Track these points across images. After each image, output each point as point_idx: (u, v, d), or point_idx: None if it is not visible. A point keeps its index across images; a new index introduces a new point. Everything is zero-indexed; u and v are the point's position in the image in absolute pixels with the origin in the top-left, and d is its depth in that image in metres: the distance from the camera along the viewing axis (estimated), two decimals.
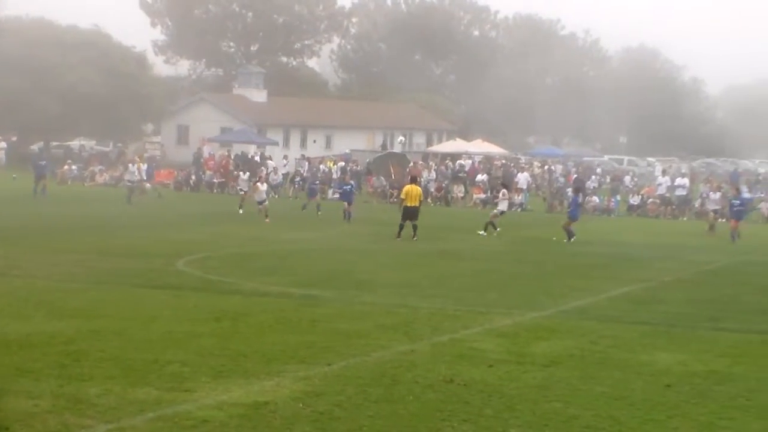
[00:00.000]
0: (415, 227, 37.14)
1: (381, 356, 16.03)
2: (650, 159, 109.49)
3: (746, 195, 60.26)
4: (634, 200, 61.85)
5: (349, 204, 45.67)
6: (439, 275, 27.47)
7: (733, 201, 44.98)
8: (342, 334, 17.81)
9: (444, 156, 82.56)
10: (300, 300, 21.78)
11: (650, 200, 61.33)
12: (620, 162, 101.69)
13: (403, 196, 38.58)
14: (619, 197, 63.96)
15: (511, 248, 36.04)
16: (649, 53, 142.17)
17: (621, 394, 14.07)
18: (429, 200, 63.08)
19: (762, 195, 65.70)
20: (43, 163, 55.14)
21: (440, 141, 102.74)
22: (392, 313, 20.31)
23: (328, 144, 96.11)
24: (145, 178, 55.31)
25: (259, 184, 45.18)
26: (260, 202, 43.72)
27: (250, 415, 12.50)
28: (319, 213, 46.82)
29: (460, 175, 69.94)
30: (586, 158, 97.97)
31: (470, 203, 62.69)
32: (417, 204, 37.90)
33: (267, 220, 42.13)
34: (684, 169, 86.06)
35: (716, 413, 13.24)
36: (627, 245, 38.70)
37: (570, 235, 38.67)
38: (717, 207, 47.73)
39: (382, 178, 66.12)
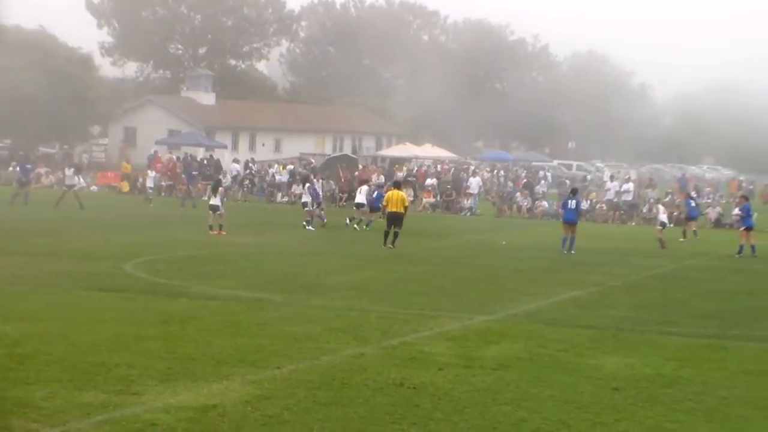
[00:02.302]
0: (396, 234, 36.26)
1: (331, 360, 15.98)
2: (599, 164, 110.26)
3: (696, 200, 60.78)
4: (583, 205, 62.17)
5: (372, 210, 45.20)
6: (390, 279, 27.43)
7: (689, 201, 48.70)
8: (291, 337, 17.74)
9: (393, 160, 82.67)
10: (249, 303, 21.68)
11: (599, 205, 61.73)
12: (569, 167, 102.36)
13: (384, 202, 38.14)
14: None
15: (461, 252, 36.10)
16: (597, 59, 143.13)
17: (569, 397, 14.11)
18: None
19: (709, 200, 66.36)
20: (29, 166, 54.88)
21: (389, 145, 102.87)
22: (342, 316, 20.27)
23: (278, 147, 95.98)
24: (84, 183, 55.05)
25: (221, 188, 42.06)
26: (214, 209, 40.08)
27: (198, 418, 12.40)
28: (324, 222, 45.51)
29: (409, 179, 70.01)
30: (535, 163, 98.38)
31: (420, 207, 62.75)
32: (400, 210, 36.72)
33: (222, 232, 38.75)
34: (632, 174, 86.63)
35: (663, 416, 13.30)
36: (575, 250, 38.82)
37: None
38: (665, 221, 48.10)
39: (332, 181, 66.02)
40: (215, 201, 39.56)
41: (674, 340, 19.13)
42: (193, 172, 63.27)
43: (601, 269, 31.96)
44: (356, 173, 68.04)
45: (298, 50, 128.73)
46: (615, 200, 61.78)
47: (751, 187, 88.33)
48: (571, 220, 38.03)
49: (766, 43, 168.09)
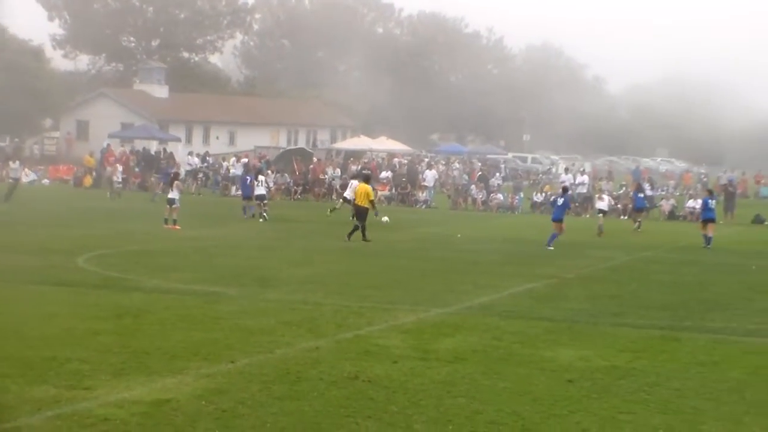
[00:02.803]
0: (356, 228, 36.31)
1: (285, 353, 15.91)
2: (553, 157, 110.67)
3: (649, 192, 61.32)
4: (538, 198, 62.44)
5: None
6: (344, 272, 27.40)
7: (636, 192, 49.89)
8: (246, 331, 17.66)
9: (348, 153, 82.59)
10: (203, 297, 21.56)
11: (553, 197, 61.88)
12: (524, 160, 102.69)
13: (354, 195, 38.17)
14: (522, 195, 64.51)
15: (416, 245, 36.09)
16: (552, 52, 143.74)
17: (524, 389, 14.12)
18: (333, 197, 63.10)
19: (663, 193, 66.81)
20: None
21: (344, 138, 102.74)
22: (296, 309, 20.20)
23: (232, 140, 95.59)
24: (34, 176, 54.71)
25: (177, 182, 41.84)
26: (170, 203, 40.00)
27: (151, 413, 12.30)
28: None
29: (364, 172, 69.91)
30: (490, 156, 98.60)
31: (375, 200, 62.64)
32: (363, 203, 36.69)
33: (177, 226, 38.61)
34: (586, 167, 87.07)
35: (617, 407, 13.34)
36: (530, 242, 38.98)
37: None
38: (605, 208, 48.59)
39: (286, 174, 65.87)
40: (172, 194, 39.56)
41: (628, 331, 19.20)
42: (170, 170, 63.01)
43: (556, 261, 32.04)
44: (311, 166, 67.93)
45: (252, 43, 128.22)
46: (569, 192, 61.95)
47: (704, 179, 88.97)
48: (556, 218, 37.95)
49: (717, 36, 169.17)
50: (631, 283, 27.21)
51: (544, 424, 12.47)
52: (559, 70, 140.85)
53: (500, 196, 62.85)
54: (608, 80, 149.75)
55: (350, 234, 36.07)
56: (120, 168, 60.31)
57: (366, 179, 39.43)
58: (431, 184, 64.51)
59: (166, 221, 38.72)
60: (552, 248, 35.97)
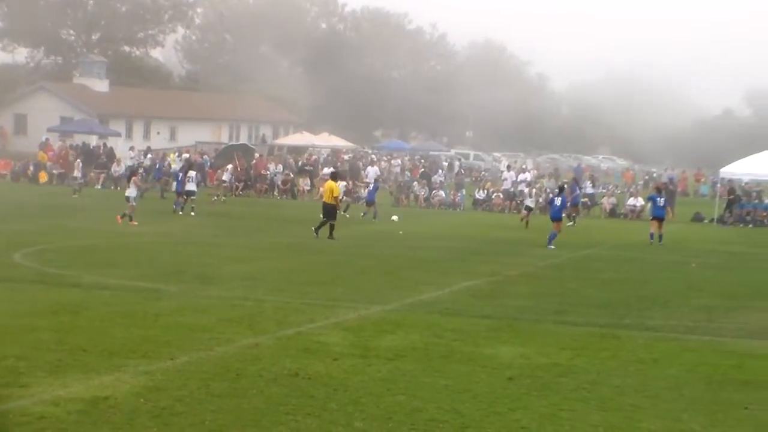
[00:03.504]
0: (322, 224, 36.28)
1: (225, 350, 15.80)
2: (496, 154, 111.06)
3: (590, 190, 61.79)
4: (480, 195, 62.61)
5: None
6: (285, 269, 27.29)
7: (574, 187, 51.55)
8: (185, 327, 17.52)
9: (291, 148, 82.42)
10: (143, 293, 21.37)
11: (495, 195, 62.12)
12: (467, 156, 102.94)
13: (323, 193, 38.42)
14: (464, 192, 64.67)
15: (358, 242, 36.04)
16: (495, 48, 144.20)
17: (464, 386, 14.11)
18: (276, 193, 62.96)
19: (605, 190, 67.25)
20: None
21: (287, 134, 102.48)
22: (237, 306, 20.08)
23: (173, 136, 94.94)
24: None
25: (135, 179, 41.47)
26: (127, 200, 39.59)
27: (88, 410, 12.14)
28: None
29: (306, 168, 69.83)
30: (432, 152, 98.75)
31: (316, 197, 62.57)
32: (329, 200, 36.70)
33: (133, 222, 38.40)
34: (528, 164, 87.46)
35: (558, 405, 13.36)
36: (472, 239, 39.07)
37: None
38: (532, 205, 49.37)
39: (228, 170, 65.48)
40: (129, 191, 39.53)
41: (569, 329, 19.27)
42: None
43: (498, 259, 32.13)
44: (253, 162, 67.66)
45: (194, 37, 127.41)
46: (511, 190, 62.23)
47: (646, 177, 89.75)
48: (555, 216, 38.39)
49: (660, 36, 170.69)
50: (572, 281, 27.33)
51: (484, 422, 12.46)
52: (502, 67, 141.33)
53: (442, 193, 62.96)
54: (551, 78, 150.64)
55: (316, 229, 36.14)
56: (80, 164, 59.74)
57: (334, 177, 39.42)
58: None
59: (123, 215, 38.75)
60: (553, 247, 36.30)
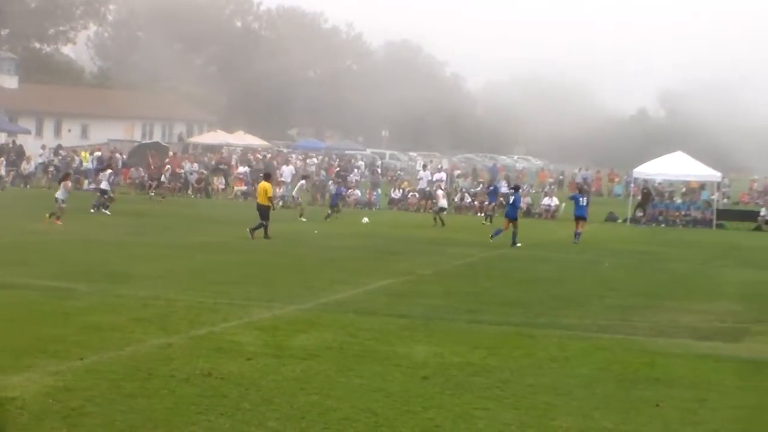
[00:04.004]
0: (260, 227, 36.03)
1: (136, 350, 15.58)
2: (412, 153, 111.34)
3: (504, 190, 62.17)
4: (395, 194, 62.71)
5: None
6: (199, 268, 27.06)
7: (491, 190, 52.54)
8: (96, 327, 17.25)
9: (205, 147, 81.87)
10: (52, 292, 21.02)
11: (411, 194, 62.25)
12: (382, 156, 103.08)
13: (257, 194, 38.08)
14: (380, 191, 64.73)
15: (272, 241, 35.83)
16: (411, 48, 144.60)
17: (379, 386, 14.05)
18: (190, 192, 62.50)
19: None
20: None
21: (201, 132, 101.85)
22: (149, 305, 19.83)
23: (84, 134, 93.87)
24: None
25: (67, 182, 40.66)
26: (56, 200, 39.21)
27: None
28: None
29: (220, 167, 69.39)
30: (348, 151, 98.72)
31: (231, 195, 62.26)
32: (263, 201, 36.50)
33: (57, 221, 38.00)
34: (444, 163, 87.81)
35: (471, 404, 13.36)
36: (387, 238, 39.07)
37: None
38: (444, 206, 49.81)
39: (141, 169, 64.93)
40: (58, 193, 39.10)
41: (483, 328, 19.30)
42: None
43: (412, 258, 32.15)
44: (166, 160, 67.09)
45: (106, 34, 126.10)
46: (427, 189, 62.39)
47: (561, 177, 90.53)
48: (510, 215, 39.14)
49: (575, 37, 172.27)
50: (487, 280, 27.42)
51: (397, 421, 12.41)
52: (418, 67, 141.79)
53: (358, 192, 62.94)
54: (467, 78, 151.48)
55: (252, 230, 35.83)
56: (2, 161, 58.75)
57: (267, 178, 39.10)
58: (288, 180, 64.23)
59: (51, 214, 38.40)
60: (519, 245, 37.47)
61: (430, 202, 60.40)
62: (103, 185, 44.74)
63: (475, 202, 60.62)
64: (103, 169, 45.86)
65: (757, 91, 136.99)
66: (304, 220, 45.57)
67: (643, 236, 47.08)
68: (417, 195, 61.99)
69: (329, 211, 48.72)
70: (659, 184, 64.92)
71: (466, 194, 62.45)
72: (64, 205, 38.90)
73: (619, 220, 56.88)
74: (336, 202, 49.89)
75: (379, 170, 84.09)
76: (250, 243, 34.62)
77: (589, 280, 28.49)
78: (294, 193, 47.33)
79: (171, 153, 71.57)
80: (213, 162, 72.01)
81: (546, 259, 34.53)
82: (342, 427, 12.05)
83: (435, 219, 47.55)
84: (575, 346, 17.81)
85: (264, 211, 36.32)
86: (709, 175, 60.10)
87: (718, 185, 64.70)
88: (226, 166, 70.48)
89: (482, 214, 56.23)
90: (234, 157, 79.61)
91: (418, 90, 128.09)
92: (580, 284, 27.46)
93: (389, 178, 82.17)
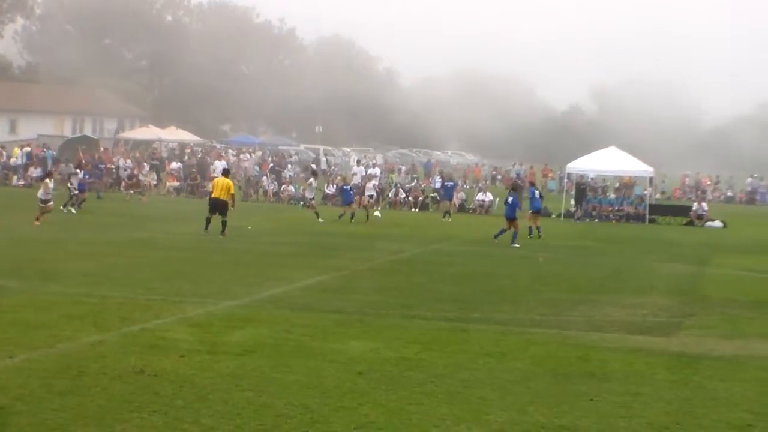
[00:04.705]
0: (224, 223, 35.58)
1: (67, 348, 15.40)
2: (346, 149, 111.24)
3: (439, 185, 62.42)
4: (330, 190, 62.59)
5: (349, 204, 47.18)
6: (131, 264, 26.81)
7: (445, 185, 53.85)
8: (25, 325, 17.02)
9: (137, 142, 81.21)
10: None
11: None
12: (316, 151, 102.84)
13: (210, 188, 37.45)
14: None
15: (206, 238, 35.62)
16: (344, 43, 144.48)
17: (313, 382, 13.99)
18: (122, 188, 61.92)
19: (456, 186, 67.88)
20: None
21: (133, 127, 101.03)
22: (80, 303, 19.60)
23: (13, 129, 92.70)
24: None
25: (48, 180, 39.30)
26: (44, 201, 38.16)
27: None
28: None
29: (153, 162, 68.81)
30: (282, 147, 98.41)
31: (164, 191, 61.80)
32: (223, 197, 35.94)
33: (37, 222, 37.11)
34: (378, 159, 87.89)
35: (406, 399, 13.34)
36: (321, 234, 39.00)
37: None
38: (373, 193, 49.81)
39: (71, 164, 64.20)
40: (39, 192, 38.11)
41: (418, 323, 19.30)
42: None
43: (347, 254, 32.10)
44: (97, 156, 66.43)
45: (34, 28, 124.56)
46: (362, 184, 62.26)
47: (494, 173, 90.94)
48: (509, 215, 38.52)
49: (506, 33, 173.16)
50: (421, 275, 27.44)
51: (332, 417, 12.36)
52: (351, 62, 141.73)
53: (292, 188, 62.77)
54: (401, 73, 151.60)
55: (222, 231, 35.42)
56: None
57: (226, 173, 38.63)
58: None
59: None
60: (517, 246, 36.89)
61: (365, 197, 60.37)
62: (74, 184, 44.05)
63: (410, 198, 60.68)
64: (76, 168, 45.32)
65: (688, 87, 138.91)
66: (321, 221, 44.80)
67: (577, 231, 47.40)
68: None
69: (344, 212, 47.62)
70: (592, 179, 65.41)
71: (401, 189, 62.47)
72: (43, 205, 37.75)
73: (553, 216, 57.21)
74: (351, 199, 48.46)
75: (325, 167, 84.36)
76: (183, 239, 34.40)
77: (523, 275, 28.60)
78: (307, 193, 46.66)
79: (102, 148, 70.83)
80: (145, 157, 71.40)
81: (480, 254, 34.63)
82: (277, 424, 11.98)
83: (367, 216, 47.41)
84: (510, 340, 17.86)
85: (222, 207, 35.92)
86: (641, 170, 60.65)
87: (651, 180, 65.33)
88: (158, 162, 69.90)
89: (416, 210, 56.24)
90: (166, 152, 79.06)
91: (352, 85, 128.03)
92: (515, 279, 27.56)
93: (323, 173, 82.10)
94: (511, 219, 38.56)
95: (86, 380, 13.43)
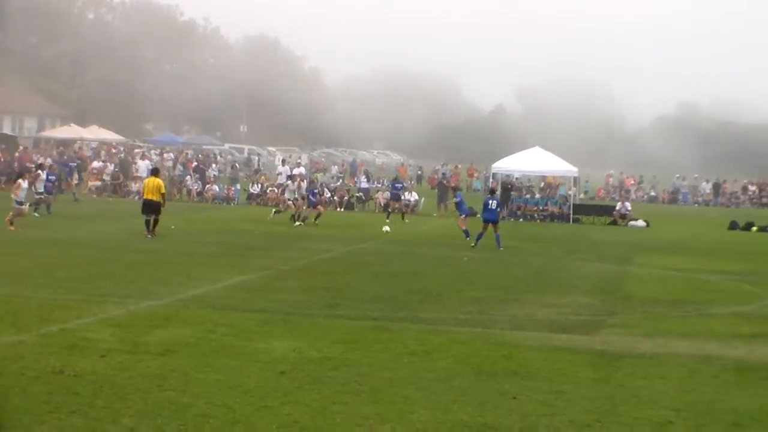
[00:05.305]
0: (155, 222, 35.15)
1: None
2: (271, 148, 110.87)
3: (365, 185, 62.41)
4: (254, 189, 62.36)
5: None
6: (52, 264, 26.46)
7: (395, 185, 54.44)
8: None
9: (58, 141, 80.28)
10: None
11: (270, 189, 61.90)
12: (241, 151, 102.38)
13: (143, 189, 36.96)
14: (239, 186, 64.34)
15: (129, 237, 35.29)
16: (269, 43, 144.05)
17: (236, 382, 13.89)
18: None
19: (379, 185, 67.98)
20: None
21: (54, 126, 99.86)
22: None
23: None
24: None
25: (21, 180, 37.32)
26: (21, 203, 36.62)
27: None
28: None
29: (72, 163, 67.94)
30: (206, 146, 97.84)
31: (85, 191, 61.10)
32: (155, 197, 35.51)
33: (11, 227, 35.45)
34: (303, 158, 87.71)
35: (329, 398, 13.28)
36: (246, 234, 38.81)
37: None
38: (294, 196, 49.33)
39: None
40: (16, 196, 36.47)
41: (342, 323, 19.25)
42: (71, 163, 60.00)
43: (272, 253, 31.96)
44: (16, 154, 65.47)
45: None
46: (286, 184, 61.99)
47: (419, 172, 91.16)
48: (492, 219, 37.85)
49: (432, 34, 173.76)
50: (346, 275, 27.40)
51: (254, 416, 12.28)
52: (276, 62, 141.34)
53: (216, 188, 62.44)
54: (326, 72, 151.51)
55: (152, 229, 34.91)
56: None
57: (155, 173, 38.13)
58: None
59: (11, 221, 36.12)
60: (502, 248, 36.55)
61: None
62: (40, 188, 42.91)
63: (335, 197, 60.60)
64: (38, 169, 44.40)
65: (611, 88, 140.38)
66: (298, 224, 44.09)
67: (501, 231, 47.55)
68: (276, 190, 61.62)
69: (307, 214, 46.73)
70: (517, 179, 65.81)
71: (326, 189, 62.37)
72: (18, 206, 36.20)
73: (479, 215, 57.28)
74: (316, 202, 47.65)
75: (256, 166, 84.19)
76: (105, 239, 34.04)
77: (447, 275, 28.66)
78: (295, 195, 45.99)
79: (21, 147, 69.89)
80: (65, 156, 70.48)
81: (405, 253, 34.66)
82: (198, 424, 11.87)
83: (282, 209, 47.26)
84: (434, 339, 17.87)
85: (156, 207, 35.57)
86: (566, 170, 61.17)
87: (575, 180, 65.86)
88: (79, 161, 69.03)
89: (342, 209, 56.04)
90: (89, 151, 78.19)
91: (277, 84, 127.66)
92: (440, 278, 27.61)
93: (248, 173, 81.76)
94: (494, 222, 38.02)
95: (4, 381, 13.21)
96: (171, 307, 20.02)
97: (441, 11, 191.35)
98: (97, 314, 18.67)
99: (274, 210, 48.01)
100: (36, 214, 41.31)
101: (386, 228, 42.63)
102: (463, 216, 41.05)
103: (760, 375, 16.06)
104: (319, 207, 47.49)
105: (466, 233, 39.81)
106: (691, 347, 18.23)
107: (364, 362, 15.63)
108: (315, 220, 45.47)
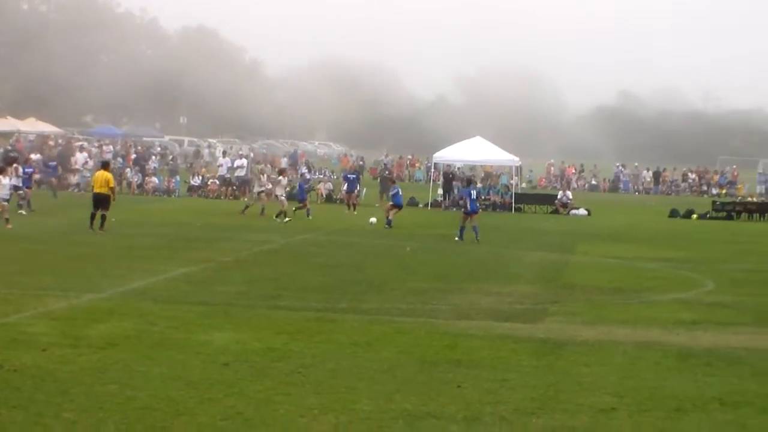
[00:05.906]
0: (103, 217, 34.40)
1: None
2: (211, 140, 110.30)
3: (307, 176, 62.33)
4: (195, 181, 62.04)
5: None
6: None
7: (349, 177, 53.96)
8: None
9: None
10: None
11: (210, 181, 61.63)
12: (181, 143, 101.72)
13: (93, 182, 36.39)
14: (179, 178, 63.98)
15: (68, 230, 35.02)
16: (208, 33, 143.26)
17: (178, 374, 13.82)
18: None
19: (321, 176, 67.95)
20: None
21: None
22: None
23: None
24: None
25: (1, 176, 36.40)
26: (6, 200, 35.84)
27: None
28: None
29: (11, 155, 67.21)
30: (145, 138, 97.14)
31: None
32: (104, 190, 34.80)
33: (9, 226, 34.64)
34: (245, 150, 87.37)
35: (273, 389, 13.26)
36: (187, 226, 38.60)
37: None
38: (262, 189, 49.09)
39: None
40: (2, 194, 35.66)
41: (285, 314, 19.22)
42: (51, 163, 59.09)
43: (213, 245, 31.83)
44: None
45: None
46: (227, 176, 61.81)
47: (361, 163, 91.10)
48: (475, 210, 37.58)
49: (373, 23, 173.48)
50: (288, 266, 27.35)
51: (198, 408, 12.23)
52: (215, 53, 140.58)
53: (156, 180, 62.07)
54: (266, 63, 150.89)
55: (101, 225, 34.36)
56: None
57: (106, 166, 37.62)
58: (83, 167, 62.72)
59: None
60: (478, 239, 36.00)
61: (230, 188, 59.79)
62: (14, 181, 41.97)
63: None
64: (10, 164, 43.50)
65: (551, 77, 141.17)
66: (287, 219, 43.08)
67: (444, 221, 47.67)
68: (217, 182, 61.37)
69: (299, 205, 45.93)
70: (459, 168, 65.96)
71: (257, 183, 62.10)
72: (5, 203, 35.41)
73: (420, 205, 57.52)
74: (304, 197, 47.09)
75: (203, 159, 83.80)
76: (44, 232, 33.76)
77: (390, 265, 28.70)
78: (278, 191, 45.26)
79: None
80: (1, 150, 69.67)
81: (347, 244, 34.66)
82: (141, 417, 11.80)
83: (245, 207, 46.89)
84: (377, 330, 17.89)
85: (105, 201, 35.12)
86: (507, 159, 61.39)
87: (517, 169, 66.14)
88: (17, 154, 68.26)
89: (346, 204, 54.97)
90: (27, 144, 77.39)
91: (216, 75, 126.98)
92: (382, 269, 27.63)
93: (188, 164, 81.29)
94: (475, 213, 37.65)
95: None
96: (112, 300, 19.89)
97: (382, 1, 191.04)
98: (38, 308, 18.52)
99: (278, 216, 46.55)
100: (24, 212, 40.74)
101: (372, 219, 42.51)
102: (394, 208, 41.57)
103: (701, 361, 16.21)
104: (307, 203, 46.97)
105: (389, 222, 40.44)
106: (632, 334, 18.38)
107: (307, 353, 15.60)
108: (298, 212, 45.34)
